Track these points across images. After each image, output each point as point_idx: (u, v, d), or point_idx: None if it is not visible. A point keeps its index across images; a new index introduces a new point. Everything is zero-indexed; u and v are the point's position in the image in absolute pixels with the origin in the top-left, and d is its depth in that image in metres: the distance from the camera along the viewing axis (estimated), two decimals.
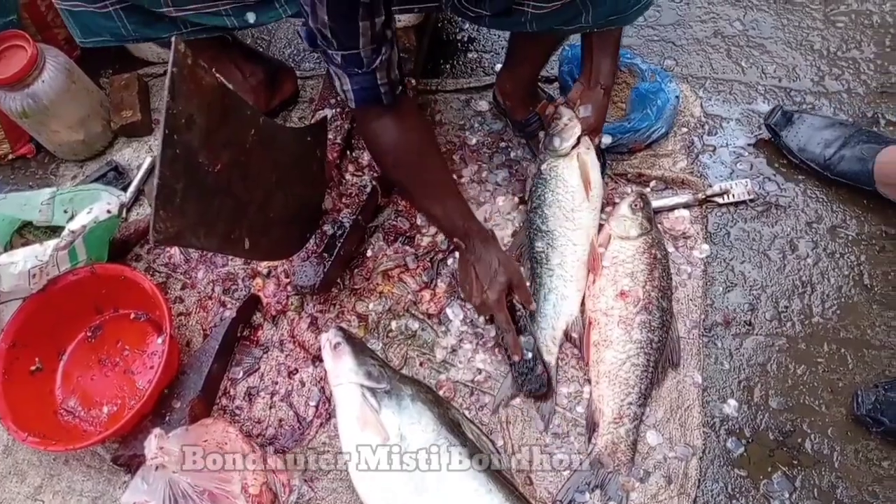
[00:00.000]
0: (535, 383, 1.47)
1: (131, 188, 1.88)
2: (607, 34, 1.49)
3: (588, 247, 1.55)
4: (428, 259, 1.68)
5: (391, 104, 1.35)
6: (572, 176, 1.58)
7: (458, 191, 1.55)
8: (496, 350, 1.55)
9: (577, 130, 1.57)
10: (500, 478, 1.32)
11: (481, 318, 1.54)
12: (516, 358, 1.45)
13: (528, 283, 1.55)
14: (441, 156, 1.58)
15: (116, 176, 1.91)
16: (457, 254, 1.64)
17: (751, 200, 1.69)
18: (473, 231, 1.49)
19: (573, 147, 1.58)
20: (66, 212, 1.66)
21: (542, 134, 1.67)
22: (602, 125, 1.60)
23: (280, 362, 1.60)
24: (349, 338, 1.45)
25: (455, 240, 1.51)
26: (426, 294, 1.64)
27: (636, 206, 1.58)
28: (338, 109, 1.75)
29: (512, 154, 1.81)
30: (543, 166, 1.61)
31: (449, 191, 1.50)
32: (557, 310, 1.53)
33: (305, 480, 1.45)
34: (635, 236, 1.55)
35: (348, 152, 1.71)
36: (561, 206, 1.57)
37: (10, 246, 1.66)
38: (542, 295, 1.55)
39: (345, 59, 1.23)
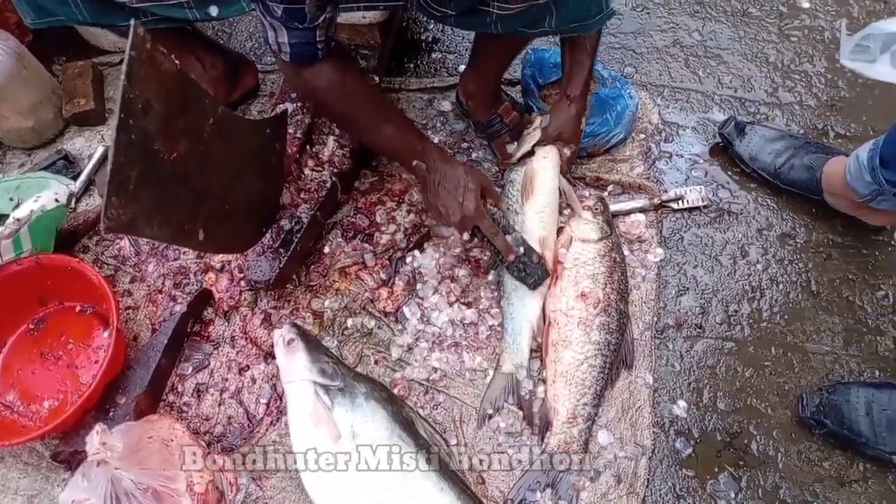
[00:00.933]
0: (536, 272, 1.48)
1: (81, 177, 1.84)
2: (583, 44, 1.50)
3: (540, 249, 1.55)
4: (386, 257, 1.67)
5: (325, 58, 1.34)
6: (519, 182, 1.60)
7: (406, 117, 1.54)
8: (453, 349, 1.55)
9: (534, 139, 1.59)
10: (452, 476, 1.32)
11: (465, 235, 1.52)
12: (511, 257, 1.46)
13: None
14: (381, 92, 1.55)
15: (66, 165, 1.87)
16: (416, 252, 1.65)
17: (704, 206, 1.72)
18: (430, 149, 1.48)
19: (526, 155, 1.61)
20: (11, 199, 1.63)
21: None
22: (573, 136, 1.60)
23: (231, 359, 1.59)
24: (303, 334, 1.44)
25: (415, 163, 1.48)
26: (384, 292, 1.64)
27: (596, 209, 1.60)
28: (298, 104, 1.73)
29: (474, 155, 1.82)
30: (507, 170, 1.65)
31: (395, 116, 1.50)
32: (519, 310, 1.54)
33: (254, 479, 1.44)
34: (596, 239, 1.57)
35: (308, 147, 1.70)
36: (510, 210, 1.60)
37: None
38: (502, 292, 1.56)
39: (286, 12, 1.21)
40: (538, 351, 1.53)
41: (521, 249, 1.47)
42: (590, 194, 1.72)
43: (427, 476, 1.30)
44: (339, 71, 1.38)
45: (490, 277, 1.61)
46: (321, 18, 1.23)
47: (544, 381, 1.48)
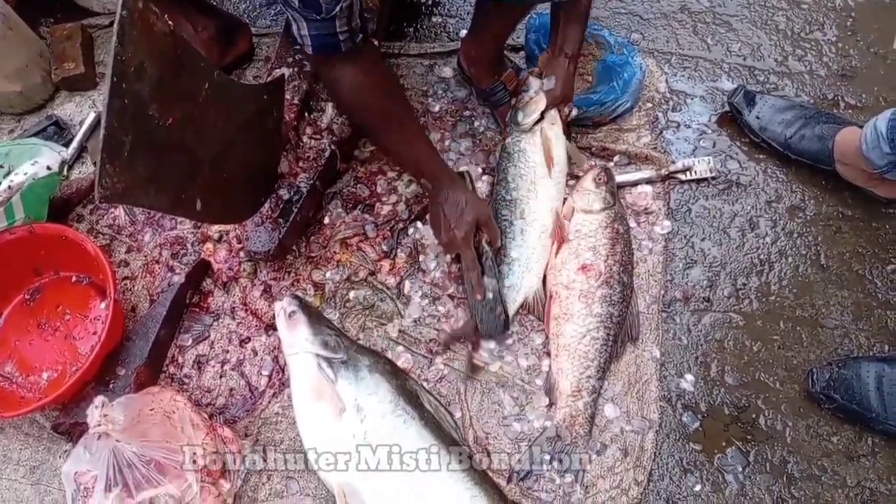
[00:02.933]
0: (493, 323, 1.47)
1: (73, 144, 1.80)
2: (577, 3, 1.47)
3: (551, 219, 1.55)
4: (388, 228, 1.66)
5: (350, 52, 1.31)
6: (535, 152, 1.58)
7: (423, 133, 1.55)
8: (456, 321, 1.54)
9: (542, 105, 1.56)
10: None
11: (448, 257, 1.55)
12: (478, 297, 1.46)
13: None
14: (405, 100, 1.56)
15: (57, 131, 1.83)
16: (418, 223, 1.65)
17: (712, 178, 1.70)
18: (440, 172, 1.49)
19: (537, 122, 1.58)
20: (2, 167, 1.58)
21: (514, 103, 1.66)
22: (571, 94, 1.59)
23: (231, 330, 1.58)
24: (305, 306, 1.43)
25: (422, 181, 1.50)
26: (385, 264, 1.63)
27: (600, 179, 1.58)
28: (296, 69, 1.69)
29: (476, 123, 1.78)
30: (508, 140, 1.61)
31: (414, 133, 1.50)
32: (521, 281, 1.53)
33: (257, 450, 1.43)
34: (598, 210, 1.55)
35: (306, 114, 1.66)
36: (524, 180, 1.57)
37: None
38: (505, 265, 1.54)
39: (303, 2, 1.20)
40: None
41: (490, 295, 1.47)
42: (594, 164, 1.69)
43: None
44: (363, 70, 1.37)
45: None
46: (338, 8, 1.21)
47: (549, 356, 1.48)
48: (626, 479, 1.38)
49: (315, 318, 1.43)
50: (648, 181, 1.68)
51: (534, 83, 1.59)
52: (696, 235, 1.66)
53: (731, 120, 1.78)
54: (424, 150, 1.48)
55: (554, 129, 1.58)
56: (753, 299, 1.58)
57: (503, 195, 1.58)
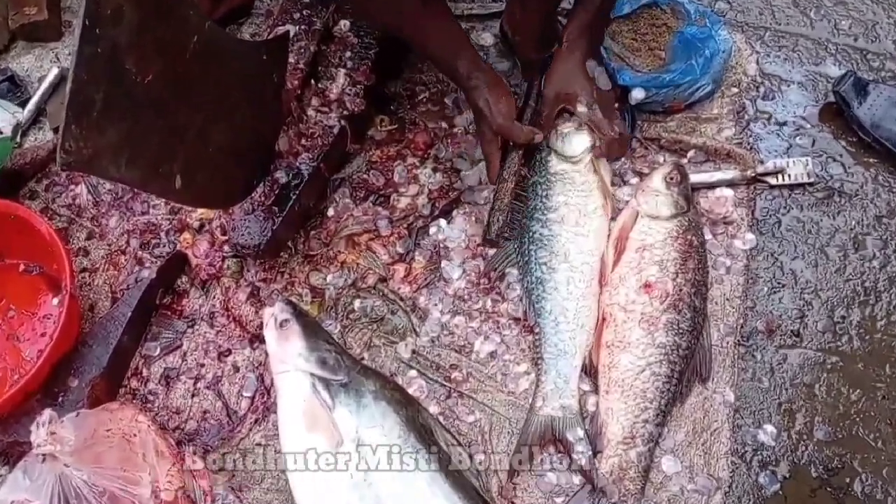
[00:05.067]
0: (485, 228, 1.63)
1: (30, 105, 1.82)
2: None
3: (598, 267, 1.56)
4: (405, 225, 1.67)
5: None
6: (585, 180, 1.61)
7: (466, 39, 1.61)
8: (481, 340, 1.56)
9: (587, 138, 1.61)
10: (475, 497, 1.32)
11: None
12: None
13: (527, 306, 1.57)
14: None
15: (11, 88, 1.86)
16: (441, 222, 1.67)
17: (809, 184, 1.69)
18: (481, 68, 1.55)
19: (585, 151, 1.61)
20: None
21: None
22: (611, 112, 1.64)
23: (209, 340, 1.59)
24: (300, 315, 1.44)
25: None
26: (400, 269, 1.64)
27: (672, 179, 1.57)
28: (303, 27, 1.72)
29: (520, 103, 1.77)
30: (552, 167, 1.63)
31: (456, 38, 1.56)
32: (573, 343, 1.51)
33: (232, 488, 1.43)
34: (668, 216, 1.55)
35: (312, 82, 1.68)
36: (571, 212, 1.58)
37: None
38: (549, 326, 1.52)
39: None
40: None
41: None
42: (664, 159, 1.69)
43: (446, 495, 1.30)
44: None
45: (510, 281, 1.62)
46: None
47: (596, 392, 1.47)
48: None
49: (312, 330, 1.43)
50: (730, 184, 1.66)
51: (576, 117, 1.65)
52: (785, 253, 1.64)
53: (837, 113, 1.77)
54: (466, 55, 1.55)
55: (601, 161, 1.63)
56: (854, 336, 1.56)
57: (538, 231, 1.57)
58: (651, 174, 1.61)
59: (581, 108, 1.63)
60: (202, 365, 1.57)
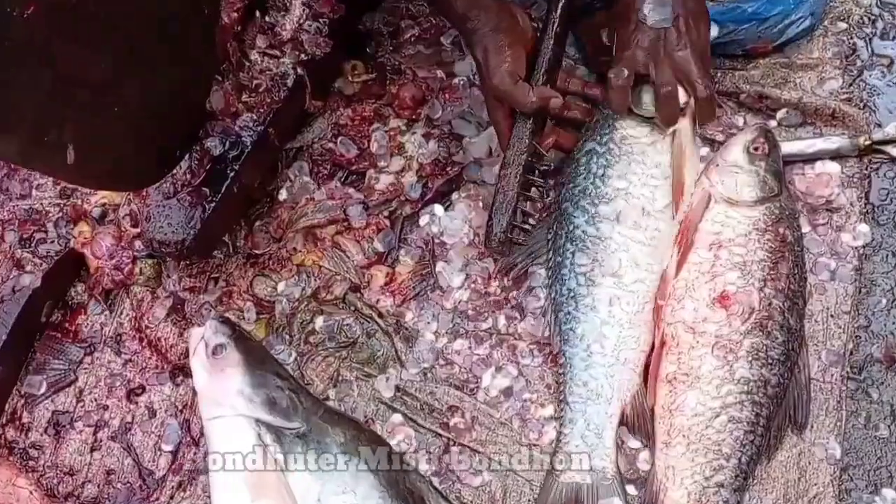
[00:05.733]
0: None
1: None
2: None
3: (656, 286, 1.41)
4: (386, 214, 1.54)
5: None
6: (661, 163, 1.43)
7: None
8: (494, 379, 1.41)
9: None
10: None
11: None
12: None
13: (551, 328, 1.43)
14: None
15: None
16: (436, 207, 1.54)
17: None
18: (484, 9, 1.39)
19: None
20: None
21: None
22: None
23: (114, 372, 1.48)
24: (240, 338, 1.34)
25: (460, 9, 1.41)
26: (379, 274, 1.51)
27: (757, 150, 1.42)
28: None
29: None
30: (617, 130, 1.45)
31: None
32: (608, 384, 1.36)
33: None
34: (752, 201, 1.39)
35: (257, 14, 1.51)
36: (632, 208, 1.42)
37: None
38: (577, 353, 1.38)
39: None
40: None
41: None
42: (745, 122, 1.55)
43: None
44: None
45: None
46: None
47: (651, 443, 1.34)
48: None
49: (256, 359, 1.33)
50: (835, 155, 1.51)
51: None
52: None
53: None
54: None
55: (687, 135, 1.43)
56: None
57: (581, 227, 1.41)
58: (728, 143, 1.46)
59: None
60: (105, 407, 1.46)
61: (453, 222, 1.51)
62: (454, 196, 1.53)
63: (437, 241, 1.50)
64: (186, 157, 1.44)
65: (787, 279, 1.36)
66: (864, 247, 1.46)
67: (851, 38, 1.63)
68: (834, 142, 1.51)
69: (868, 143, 1.51)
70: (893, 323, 1.43)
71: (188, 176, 1.43)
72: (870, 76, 1.61)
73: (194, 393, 1.35)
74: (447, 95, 1.63)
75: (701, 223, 1.40)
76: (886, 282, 1.45)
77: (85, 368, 1.48)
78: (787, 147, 1.49)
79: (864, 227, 1.46)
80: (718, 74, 1.58)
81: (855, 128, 1.53)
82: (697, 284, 1.37)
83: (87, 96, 1.19)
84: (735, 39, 1.56)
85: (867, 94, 1.59)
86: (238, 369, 1.28)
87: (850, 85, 1.60)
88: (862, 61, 1.62)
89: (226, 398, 1.26)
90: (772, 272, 1.36)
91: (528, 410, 1.39)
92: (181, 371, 1.44)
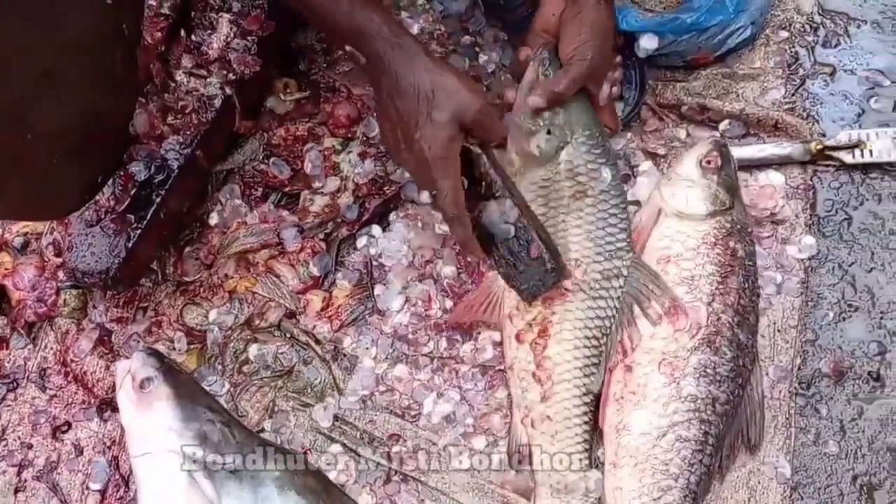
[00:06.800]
0: (536, 274, 1.34)
1: None
2: None
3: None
4: (321, 236, 1.54)
5: None
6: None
7: None
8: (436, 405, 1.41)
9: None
10: None
11: (424, 195, 1.46)
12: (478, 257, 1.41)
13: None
14: None
15: None
16: (374, 229, 1.56)
17: (892, 165, 1.56)
18: (376, 31, 1.31)
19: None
20: None
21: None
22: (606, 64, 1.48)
23: (38, 409, 1.47)
24: (169, 371, 1.31)
25: (348, 49, 1.34)
26: (315, 299, 1.51)
27: (710, 163, 1.44)
28: None
29: (483, 58, 1.67)
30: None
31: None
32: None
33: None
34: (703, 215, 1.42)
35: (183, 33, 1.53)
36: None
37: None
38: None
39: None
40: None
41: (512, 230, 1.33)
42: (687, 134, 1.58)
43: None
44: None
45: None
46: None
47: (601, 465, 1.35)
48: None
49: (187, 392, 1.31)
50: (786, 161, 1.54)
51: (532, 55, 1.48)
52: (858, 263, 1.50)
53: None
54: None
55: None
56: None
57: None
58: (680, 157, 1.50)
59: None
60: (29, 446, 1.44)
61: (392, 243, 1.51)
62: (392, 216, 1.54)
63: (375, 263, 1.51)
64: (110, 182, 1.43)
65: (737, 294, 1.37)
66: (809, 259, 1.49)
67: (793, 46, 1.66)
68: (785, 147, 1.54)
69: (820, 147, 1.53)
70: (841, 336, 1.45)
71: (112, 202, 1.43)
72: (812, 85, 1.64)
73: (123, 429, 1.32)
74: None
75: (650, 239, 1.43)
76: (833, 294, 1.48)
77: (7, 405, 1.46)
78: (738, 152, 1.52)
79: (809, 239, 1.49)
80: (659, 87, 1.61)
81: (798, 138, 1.56)
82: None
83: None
84: (675, 51, 1.58)
85: (810, 104, 1.62)
86: (167, 403, 1.26)
87: (793, 94, 1.63)
88: (804, 70, 1.65)
89: (154, 434, 1.25)
90: (721, 287, 1.37)
91: (472, 436, 1.39)
92: (109, 406, 1.43)
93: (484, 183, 1.34)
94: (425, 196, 1.50)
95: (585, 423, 1.37)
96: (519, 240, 1.33)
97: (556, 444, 1.35)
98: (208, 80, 1.52)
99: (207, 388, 1.40)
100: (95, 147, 1.41)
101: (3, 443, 1.42)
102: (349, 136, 1.60)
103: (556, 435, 1.35)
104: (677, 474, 1.29)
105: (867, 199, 1.55)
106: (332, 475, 1.35)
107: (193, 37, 1.55)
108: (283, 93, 1.63)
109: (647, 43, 1.54)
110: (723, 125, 1.59)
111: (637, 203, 1.50)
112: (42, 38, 1.18)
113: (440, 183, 1.29)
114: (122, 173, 1.43)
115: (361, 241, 1.52)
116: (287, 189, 1.57)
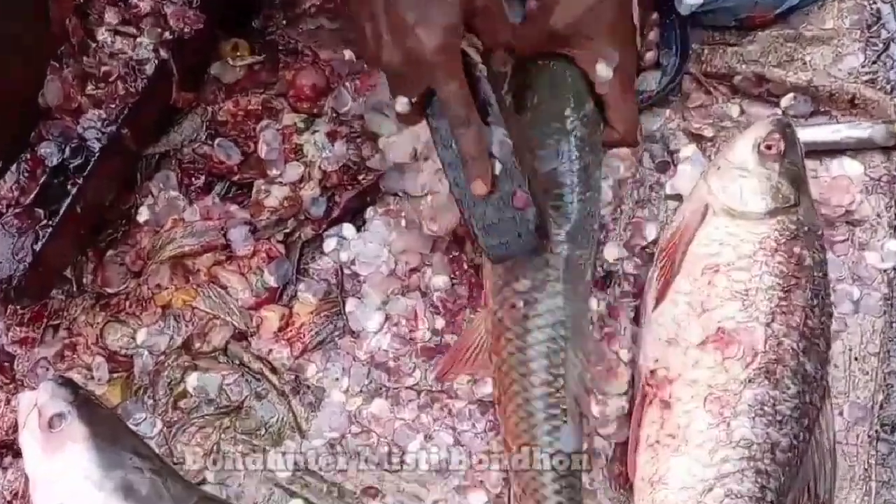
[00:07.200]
0: (513, 228, 1.22)
1: None
2: None
3: None
4: (279, 236, 1.41)
5: None
6: None
7: None
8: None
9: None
10: None
11: (411, 185, 1.40)
12: (480, 191, 1.21)
13: None
14: None
15: None
16: (345, 229, 1.40)
17: None
18: None
19: None
20: None
21: None
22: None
23: None
24: (85, 404, 1.22)
25: None
26: (271, 315, 1.38)
27: (770, 148, 1.31)
28: None
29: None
30: None
31: None
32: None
33: None
34: (761, 213, 1.29)
35: None
36: None
37: None
38: None
39: None
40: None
41: (498, 166, 1.20)
42: (741, 111, 1.44)
43: None
44: None
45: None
46: None
47: None
48: None
49: (107, 431, 1.21)
50: (866, 146, 1.41)
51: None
52: None
53: None
54: None
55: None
56: None
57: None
58: (733, 139, 1.36)
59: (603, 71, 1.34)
60: None
61: (368, 247, 1.37)
62: (369, 213, 1.40)
63: (347, 271, 1.37)
64: (13, 167, 1.31)
65: (803, 313, 1.24)
66: (894, 269, 1.37)
67: (875, 2, 1.51)
68: (864, 128, 1.40)
69: None
70: None
71: (16, 193, 1.31)
72: None
73: (27, 479, 1.20)
74: (358, 82, 1.46)
75: (694, 242, 1.29)
76: None
77: None
78: (805, 134, 1.37)
79: (894, 245, 1.37)
80: (706, 52, 1.48)
81: (881, 117, 1.41)
82: (686, 318, 1.25)
83: None
84: (726, 6, 1.44)
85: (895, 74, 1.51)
86: (82, 445, 1.15)
87: (874, 62, 1.48)
88: (889, 32, 1.50)
89: (67, 484, 1.14)
90: (783, 304, 1.24)
91: (468, 490, 1.27)
92: (9, 450, 1.31)
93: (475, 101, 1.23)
94: (411, 187, 1.39)
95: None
96: (503, 181, 1.22)
97: None
98: (138, 39, 1.37)
99: (134, 428, 1.30)
100: None
101: None
102: (315, 111, 1.44)
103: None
104: None
105: None
106: None
107: None
108: (231, 57, 1.47)
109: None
110: (785, 100, 1.44)
111: (678, 197, 1.36)
112: None
113: (444, 86, 1.14)
114: (28, 156, 1.32)
115: (330, 244, 1.38)
116: (236, 177, 1.43)
